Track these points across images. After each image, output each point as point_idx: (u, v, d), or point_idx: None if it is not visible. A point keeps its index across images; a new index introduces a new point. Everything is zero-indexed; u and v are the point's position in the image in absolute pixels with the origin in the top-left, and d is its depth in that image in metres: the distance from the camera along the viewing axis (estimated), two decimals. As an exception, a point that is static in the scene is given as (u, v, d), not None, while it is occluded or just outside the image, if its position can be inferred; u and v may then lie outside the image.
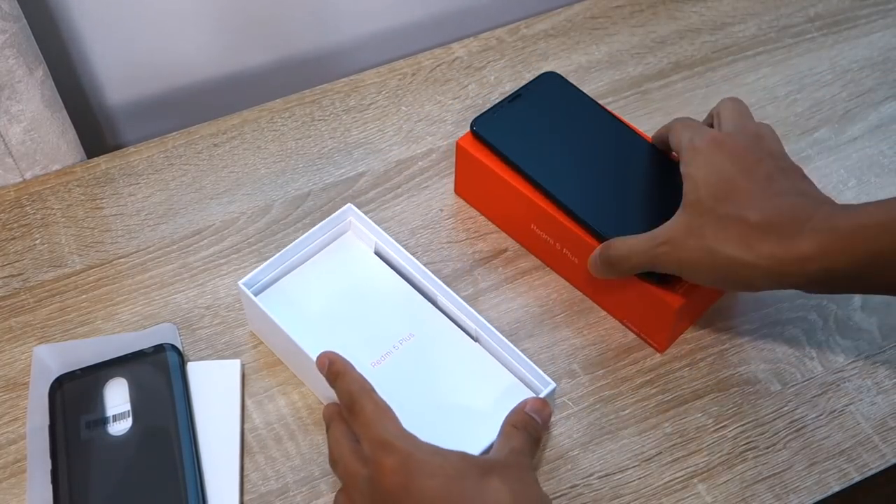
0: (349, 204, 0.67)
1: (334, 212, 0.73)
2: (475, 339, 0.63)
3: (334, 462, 0.55)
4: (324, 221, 0.66)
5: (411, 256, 0.65)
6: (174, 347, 0.63)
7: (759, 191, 0.57)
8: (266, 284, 0.65)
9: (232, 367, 0.64)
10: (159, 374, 0.62)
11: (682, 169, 0.60)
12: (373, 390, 0.55)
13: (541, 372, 0.60)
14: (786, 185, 0.57)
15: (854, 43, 0.84)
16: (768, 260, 0.54)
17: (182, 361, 0.63)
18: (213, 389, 0.63)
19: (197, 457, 0.60)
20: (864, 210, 0.54)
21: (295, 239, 0.67)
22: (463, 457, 0.52)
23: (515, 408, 0.58)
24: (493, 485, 0.50)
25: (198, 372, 0.64)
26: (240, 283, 0.63)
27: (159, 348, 0.63)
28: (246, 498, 0.60)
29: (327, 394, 0.59)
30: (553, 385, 0.60)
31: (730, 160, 0.58)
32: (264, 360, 0.66)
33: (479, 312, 0.63)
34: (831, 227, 0.54)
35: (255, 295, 0.64)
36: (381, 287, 0.66)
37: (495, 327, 0.62)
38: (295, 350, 0.61)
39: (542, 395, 0.60)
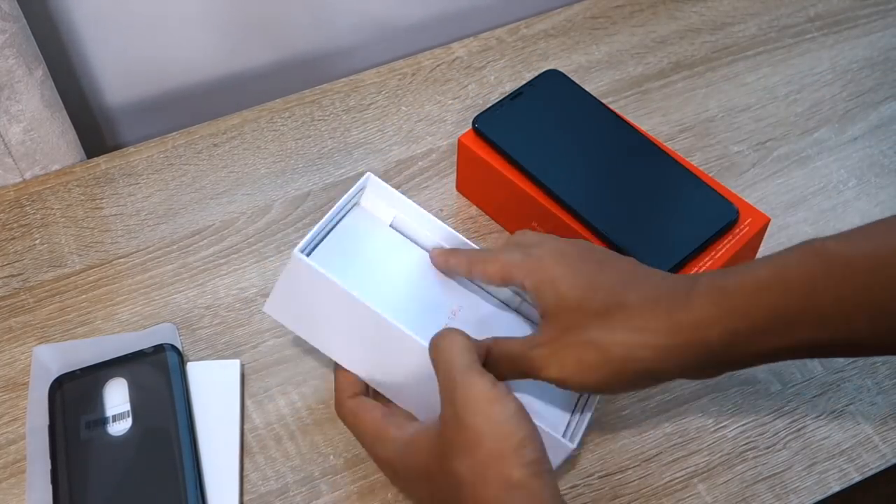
0: (369, 173, 0.62)
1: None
2: (516, 310, 0.61)
3: None
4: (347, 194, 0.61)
5: (441, 222, 0.61)
6: (174, 347, 0.63)
7: (625, 279, 0.52)
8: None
9: (232, 367, 0.64)
10: (159, 374, 0.62)
11: (530, 285, 0.53)
12: (354, 395, 0.57)
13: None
14: (646, 271, 0.53)
15: (854, 43, 0.84)
16: (665, 335, 0.49)
17: (182, 361, 0.63)
18: (213, 389, 0.63)
19: (197, 457, 0.60)
20: (747, 270, 0.50)
21: (297, 240, 0.66)
22: (423, 448, 0.51)
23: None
24: (453, 471, 0.48)
25: (198, 372, 0.64)
26: (296, 251, 0.56)
27: (159, 348, 0.63)
28: (246, 498, 0.60)
29: (382, 377, 0.56)
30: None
31: (579, 260, 0.53)
32: (264, 359, 0.66)
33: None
34: (720, 288, 0.49)
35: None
36: (406, 260, 0.61)
37: None
38: (363, 318, 0.55)
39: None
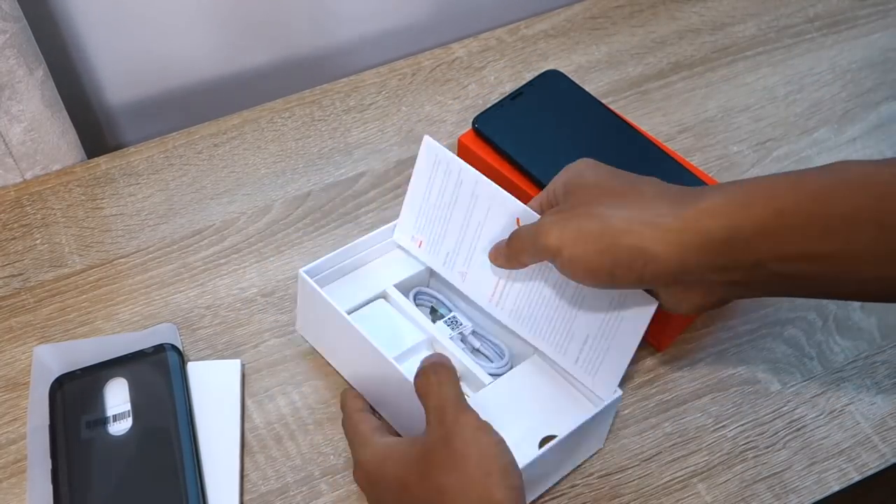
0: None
1: (335, 212, 0.73)
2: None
3: None
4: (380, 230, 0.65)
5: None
6: (174, 347, 0.63)
7: (646, 178, 0.53)
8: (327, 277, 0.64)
9: (232, 367, 0.64)
10: (159, 374, 0.62)
11: (562, 180, 0.55)
12: (355, 411, 0.59)
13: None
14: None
15: (854, 43, 0.85)
16: (666, 217, 0.49)
17: (182, 361, 0.63)
18: (213, 389, 0.63)
19: (197, 456, 0.60)
20: (765, 176, 0.51)
21: (297, 240, 0.66)
22: (402, 458, 0.52)
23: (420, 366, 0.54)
24: (435, 486, 0.49)
25: (198, 372, 0.64)
26: (301, 271, 0.61)
27: (159, 348, 0.63)
28: (246, 497, 0.60)
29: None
30: (619, 392, 0.59)
31: (609, 166, 0.55)
32: (264, 359, 0.66)
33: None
34: (733, 184, 0.50)
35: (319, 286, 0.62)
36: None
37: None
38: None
39: (606, 403, 0.58)
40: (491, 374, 0.61)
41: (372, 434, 0.56)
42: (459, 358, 0.61)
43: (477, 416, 0.50)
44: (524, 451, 0.55)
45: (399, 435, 0.58)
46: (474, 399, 0.59)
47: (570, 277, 0.52)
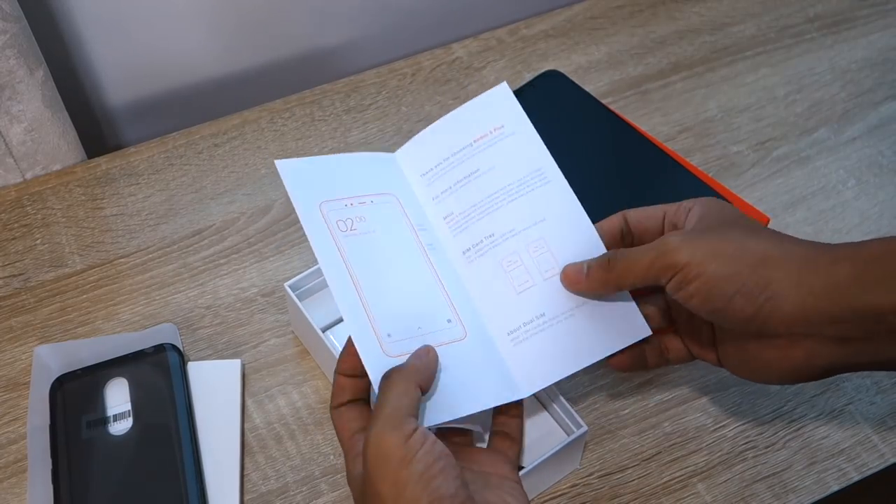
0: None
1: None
2: None
3: None
4: None
5: None
6: (174, 347, 0.63)
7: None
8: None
9: (232, 367, 0.64)
10: (160, 373, 0.63)
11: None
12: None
13: (574, 414, 0.59)
14: None
15: (853, 43, 0.85)
16: (799, 258, 0.48)
17: (182, 361, 0.63)
18: (214, 389, 0.63)
19: (197, 456, 0.60)
20: (882, 239, 0.49)
21: (297, 240, 0.66)
22: (356, 483, 0.49)
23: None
24: None
25: (198, 372, 0.64)
26: (286, 285, 0.63)
27: (160, 348, 0.63)
28: (246, 497, 0.60)
29: None
30: (584, 428, 0.59)
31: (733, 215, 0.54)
32: (264, 359, 0.66)
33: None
34: (865, 241, 0.49)
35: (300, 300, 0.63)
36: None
37: None
38: None
39: (572, 438, 0.58)
40: None
41: (350, 444, 0.51)
42: None
43: (402, 437, 0.46)
44: None
45: None
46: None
47: (680, 298, 0.50)
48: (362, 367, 0.50)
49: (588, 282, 0.54)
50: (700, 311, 0.50)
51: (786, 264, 0.48)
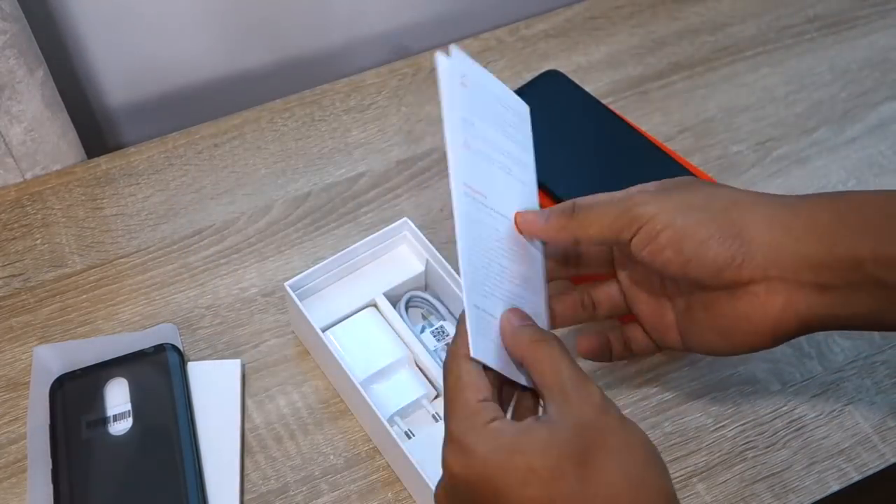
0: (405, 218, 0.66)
1: (335, 212, 0.73)
2: None
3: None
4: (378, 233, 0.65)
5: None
6: (174, 347, 0.63)
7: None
8: (311, 290, 0.65)
9: (232, 367, 0.64)
10: (160, 374, 0.63)
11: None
12: (465, 359, 0.45)
13: None
14: None
15: (853, 43, 0.85)
16: (773, 200, 0.47)
17: (182, 361, 0.63)
18: (214, 389, 0.63)
19: (197, 456, 0.60)
20: (859, 192, 0.48)
21: (297, 240, 0.66)
22: (549, 443, 0.41)
23: (515, 330, 0.46)
24: (598, 474, 0.40)
25: (198, 372, 0.64)
26: (286, 284, 0.62)
27: (160, 348, 0.63)
28: (246, 497, 0.60)
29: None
30: None
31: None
32: (264, 359, 0.66)
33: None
34: (838, 192, 0.48)
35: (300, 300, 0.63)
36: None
37: None
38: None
39: None
40: None
41: (477, 410, 0.44)
42: (438, 375, 0.61)
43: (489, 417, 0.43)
44: None
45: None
46: None
47: (648, 253, 0.47)
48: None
49: (546, 227, 0.50)
50: (670, 266, 0.47)
51: (759, 207, 0.47)
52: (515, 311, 0.47)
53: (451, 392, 0.45)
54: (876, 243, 0.45)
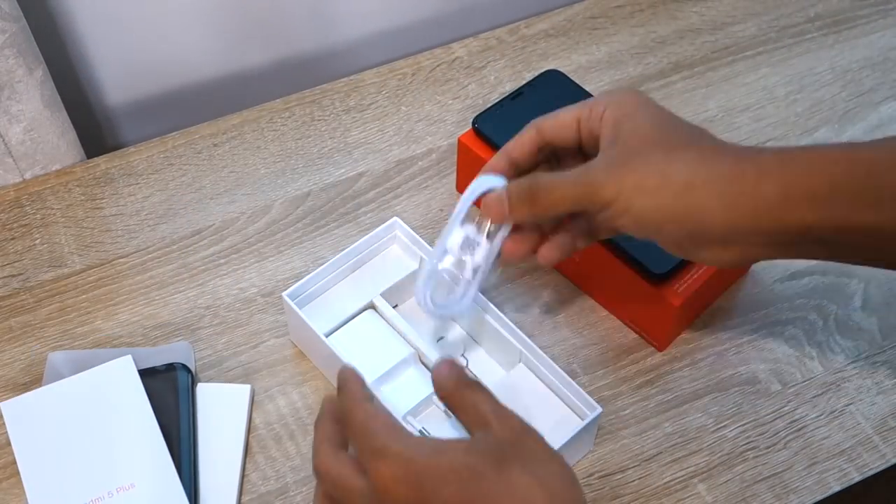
0: (396, 218, 0.66)
1: (335, 212, 0.73)
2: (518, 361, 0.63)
3: (320, 472, 0.47)
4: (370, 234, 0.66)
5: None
6: (185, 367, 0.63)
7: (700, 131, 0.53)
8: (311, 296, 0.65)
9: (241, 392, 0.63)
10: (168, 392, 0.62)
11: (608, 115, 0.53)
12: (365, 399, 0.48)
13: (587, 396, 0.60)
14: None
15: (854, 43, 0.84)
16: (727, 175, 0.49)
17: (192, 382, 0.63)
18: (221, 413, 0.63)
19: (195, 477, 0.60)
20: (817, 146, 0.51)
21: (297, 240, 0.66)
22: (468, 449, 0.44)
23: (443, 378, 0.49)
24: (515, 478, 0.43)
25: (207, 393, 0.63)
26: (284, 294, 0.62)
27: (170, 367, 0.63)
28: (246, 497, 0.60)
29: None
30: (599, 409, 0.59)
31: (660, 108, 0.54)
32: (264, 359, 0.66)
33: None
34: (788, 152, 0.50)
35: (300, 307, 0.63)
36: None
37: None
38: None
39: (586, 421, 0.59)
40: None
41: (397, 426, 0.47)
42: None
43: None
44: None
45: None
46: None
47: (612, 227, 0.52)
48: None
49: (512, 215, 0.54)
50: (636, 235, 0.52)
51: (710, 186, 0.49)
52: (447, 363, 0.49)
53: (365, 423, 0.46)
54: (821, 213, 0.48)
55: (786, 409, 0.64)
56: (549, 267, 0.57)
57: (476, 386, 0.48)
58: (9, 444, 0.62)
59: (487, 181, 0.54)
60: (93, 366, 0.63)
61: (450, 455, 0.44)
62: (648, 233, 0.51)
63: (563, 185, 0.52)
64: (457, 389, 0.48)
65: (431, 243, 0.65)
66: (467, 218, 0.56)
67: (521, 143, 0.55)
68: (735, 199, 0.49)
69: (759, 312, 0.68)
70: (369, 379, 0.59)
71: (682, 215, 0.49)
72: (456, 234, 0.56)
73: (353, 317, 0.64)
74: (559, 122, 0.55)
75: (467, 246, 0.56)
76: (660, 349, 0.66)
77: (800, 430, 0.63)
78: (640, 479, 0.61)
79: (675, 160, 0.50)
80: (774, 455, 0.62)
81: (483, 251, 0.56)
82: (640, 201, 0.50)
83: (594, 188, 0.51)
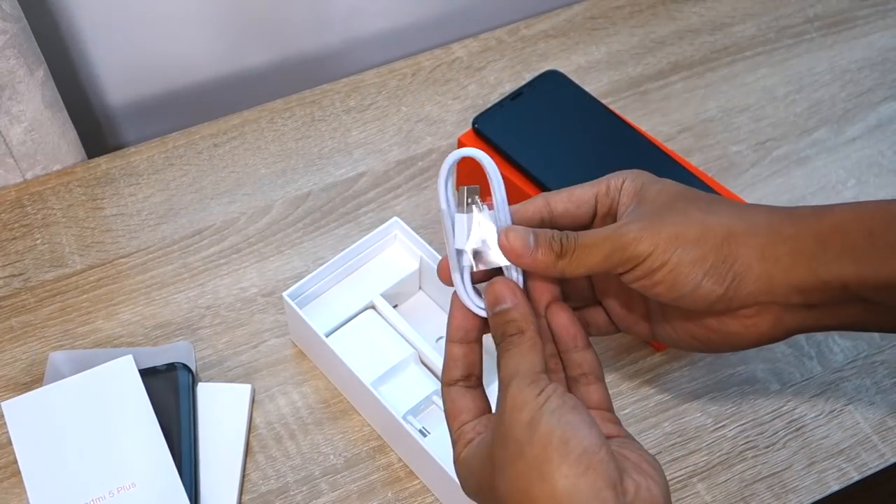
0: (396, 217, 0.66)
1: (335, 212, 0.73)
2: None
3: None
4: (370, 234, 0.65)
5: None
6: (186, 367, 0.63)
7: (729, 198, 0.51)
8: (311, 296, 0.65)
9: (242, 392, 0.64)
10: (169, 392, 0.62)
11: (631, 184, 0.50)
12: (446, 405, 0.48)
13: None
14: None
15: (853, 43, 0.85)
16: (762, 228, 0.47)
17: (193, 382, 0.63)
18: (221, 412, 0.63)
19: (196, 477, 0.60)
20: (857, 201, 0.48)
21: (297, 240, 0.66)
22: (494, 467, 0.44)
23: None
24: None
25: (208, 393, 0.63)
26: (285, 294, 0.62)
27: (171, 367, 0.63)
28: (246, 497, 0.60)
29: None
30: None
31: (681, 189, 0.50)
32: (264, 359, 0.66)
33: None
34: (823, 208, 0.48)
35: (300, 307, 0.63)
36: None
37: None
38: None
39: None
40: None
41: (456, 431, 0.47)
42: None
43: (536, 389, 0.43)
44: None
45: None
46: None
47: (640, 287, 0.48)
48: (474, 330, 0.48)
49: (533, 261, 0.48)
50: (663, 298, 0.48)
51: (750, 238, 0.47)
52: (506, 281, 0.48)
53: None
54: (859, 266, 0.46)
55: (785, 408, 0.64)
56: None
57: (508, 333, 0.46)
58: (10, 443, 0.62)
59: (464, 151, 0.49)
60: (94, 365, 0.63)
61: (468, 475, 0.47)
62: (682, 291, 0.47)
63: (591, 240, 0.48)
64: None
65: (431, 243, 0.65)
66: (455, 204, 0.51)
67: (527, 210, 0.51)
68: (773, 250, 0.47)
69: (759, 312, 0.68)
70: (369, 379, 0.60)
71: (720, 266, 0.46)
72: (460, 233, 0.49)
73: (353, 317, 0.65)
74: (574, 198, 0.51)
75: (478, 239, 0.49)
76: (659, 349, 0.66)
77: (799, 429, 0.63)
78: (639, 478, 0.61)
79: (713, 212, 0.48)
80: (773, 454, 0.62)
81: (490, 231, 0.49)
82: (680, 253, 0.46)
83: (627, 243, 0.47)
